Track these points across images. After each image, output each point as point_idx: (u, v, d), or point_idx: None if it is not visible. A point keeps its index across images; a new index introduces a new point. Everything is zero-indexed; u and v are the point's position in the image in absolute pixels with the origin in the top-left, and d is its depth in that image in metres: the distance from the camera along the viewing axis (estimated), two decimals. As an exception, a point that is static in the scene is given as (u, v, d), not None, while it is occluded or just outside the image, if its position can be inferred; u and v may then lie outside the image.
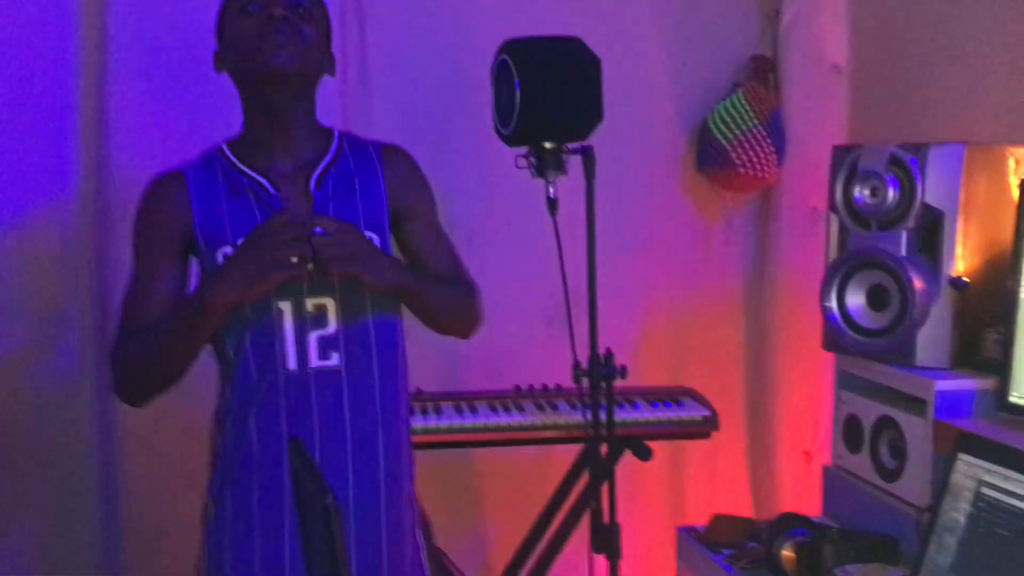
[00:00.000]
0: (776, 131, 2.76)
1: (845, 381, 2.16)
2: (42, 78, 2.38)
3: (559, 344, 2.89)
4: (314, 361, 1.57)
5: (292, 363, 1.56)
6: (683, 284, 2.93)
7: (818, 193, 2.85)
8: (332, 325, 1.58)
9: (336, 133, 1.68)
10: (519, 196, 2.74)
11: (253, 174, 1.59)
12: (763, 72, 2.83)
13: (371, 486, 1.62)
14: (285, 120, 1.58)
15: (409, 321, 1.75)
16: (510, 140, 1.99)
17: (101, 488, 2.46)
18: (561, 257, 2.01)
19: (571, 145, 2.00)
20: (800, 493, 2.95)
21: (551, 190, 2.01)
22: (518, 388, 2.49)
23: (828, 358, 2.80)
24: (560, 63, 1.93)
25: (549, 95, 1.90)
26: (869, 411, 2.06)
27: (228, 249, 1.55)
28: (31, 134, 2.38)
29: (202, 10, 2.41)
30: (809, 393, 2.92)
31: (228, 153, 1.62)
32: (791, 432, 2.94)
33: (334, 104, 2.52)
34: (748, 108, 2.74)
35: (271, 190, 1.58)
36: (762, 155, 2.73)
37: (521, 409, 2.39)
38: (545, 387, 2.50)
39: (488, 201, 2.80)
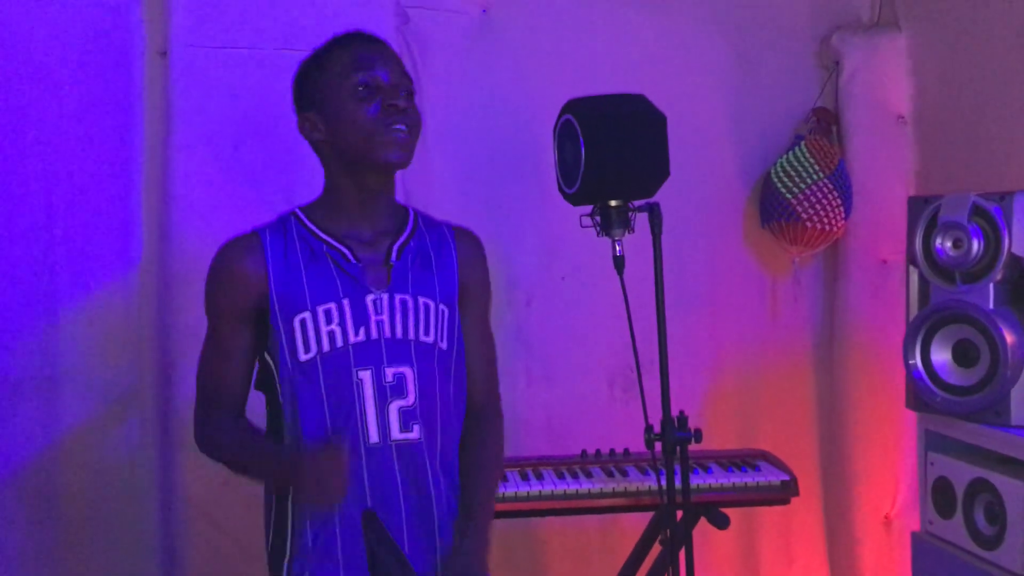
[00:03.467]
0: (842, 183, 2.70)
1: (933, 441, 2.05)
2: (108, 150, 2.41)
3: (623, 406, 2.84)
4: (396, 434, 1.53)
5: (374, 436, 1.52)
6: (750, 342, 2.84)
7: (888, 245, 2.78)
8: (411, 395, 1.55)
9: (411, 210, 1.68)
10: (577, 254, 2.73)
11: (333, 241, 1.57)
12: (826, 124, 2.78)
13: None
14: (374, 196, 1.59)
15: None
16: (575, 199, 1.94)
17: (164, 560, 2.42)
18: (629, 316, 1.94)
19: (636, 202, 1.95)
20: (881, 560, 2.81)
21: (617, 248, 1.95)
22: (584, 453, 2.41)
23: (908, 417, 2.69)
24: (625, 121, 1.88)
25: (615, 153, 1.85)
26: (961, 473, 1.95)
27: (306, 315, 1.52)
28: (97, 209, 2.40)
29: (262, 79, 2.47)
30: (888, 454, 2.80)
31: (304, 219, 1.59)
32: (870, 495, 2.81)
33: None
34: (812, 160, 2.68)
35: (351, 257, 1.56)
36: (829, 208, 2.66)
37: (589, 475, 2.31)
38: (612, 452, 2.42)
39: (547, 260, 2.76)
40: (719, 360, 2.84)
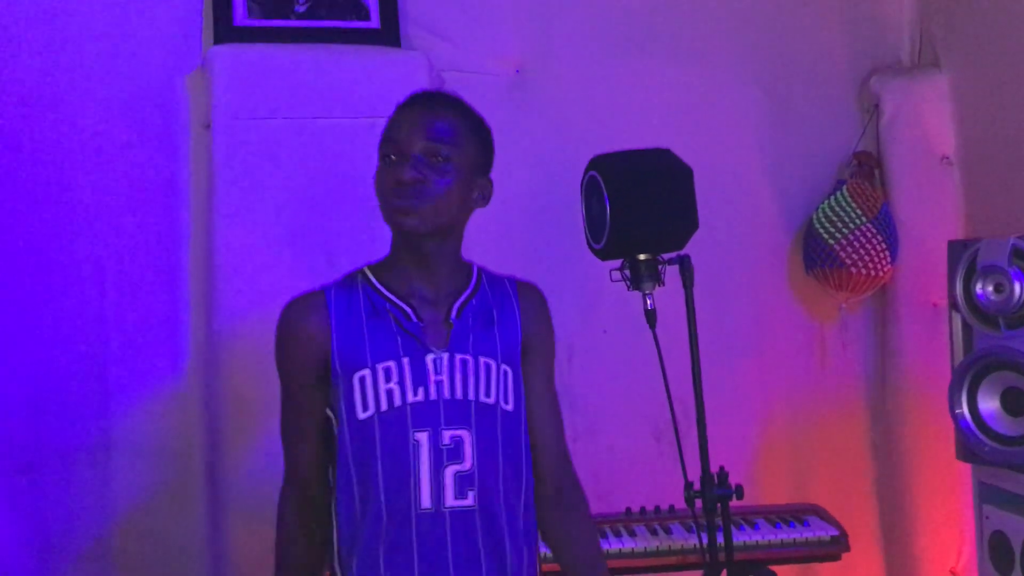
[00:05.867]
0: (886, 227, 2.64)
1: (988, 494, 1.97)
2: (155, 220, 2.48)
3: (670, 460, 2.77)
4: (450, 500, 1.49)
5: (426, 501, 1.48)
6: (800, 392, 2.78)
7: (938, 289, 2.70)
8: (468, 460, 1.50)
9: (475, 267, 1.65)
10: (618, 307, 2.69)
11: (395, 299, 1.55)
12: (868, 168, 2.73)
13: None
14: (429, 258, 1.56)
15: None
16: (602, 254, 1.95)
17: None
18: (663, 370, 1.92)
19: (667, 255, 1.94)
20: (950, 618, 2.70)
21: (648, 302, 1.94)
22: (628, 511, 2.37)
23: (968, 465, 2.60)
24: (649, 176, 1.89)
25: (639, 209, 1.85)
26: (1017, 527, 1.86)
27: (366, 373, 1.50)
28: (146, 278, 2.46)
29: (302, 146, 2.54)
30: (949, 504, 2.69)
31: (370, 276, 1.58)
32: (933, 549, 2.70)
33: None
34: (854, 205, 2.63)
35: (413, 316, 1.54)
36: (873, 253, 2.60)
37: (632, 534, 2.27)
38: (657, 509, 2.38)
39: (587, 313, 2.75)
40: (769, 410, 2.78)
